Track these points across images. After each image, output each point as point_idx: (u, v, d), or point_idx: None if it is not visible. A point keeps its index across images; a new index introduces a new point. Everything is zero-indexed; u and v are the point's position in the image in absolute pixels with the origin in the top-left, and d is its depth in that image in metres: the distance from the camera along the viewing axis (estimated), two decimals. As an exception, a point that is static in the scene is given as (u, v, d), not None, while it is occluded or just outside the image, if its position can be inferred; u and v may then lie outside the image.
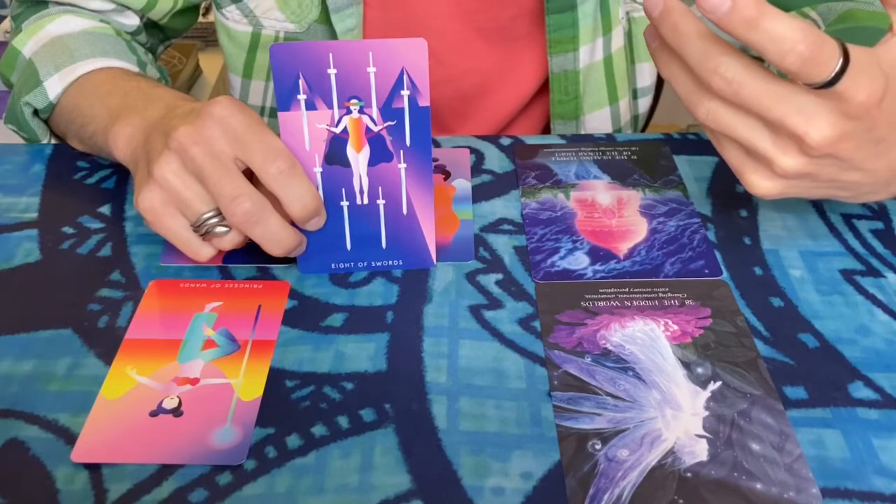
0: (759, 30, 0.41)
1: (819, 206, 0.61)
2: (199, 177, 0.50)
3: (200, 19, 0.97)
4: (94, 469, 0.43)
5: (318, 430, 0.45)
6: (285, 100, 0.50)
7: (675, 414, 0.46)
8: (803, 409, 0.46)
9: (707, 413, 0.46)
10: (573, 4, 0.73)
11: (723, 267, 0.56)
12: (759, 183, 0.48)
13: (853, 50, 0.42)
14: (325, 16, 0.73)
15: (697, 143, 0.68)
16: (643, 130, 0.92)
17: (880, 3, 0.66)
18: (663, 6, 0.45)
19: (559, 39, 0.74)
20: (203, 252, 0.52)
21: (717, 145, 0.49)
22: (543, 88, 0.80)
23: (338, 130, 0.51)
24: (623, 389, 0.47)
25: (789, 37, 0.41)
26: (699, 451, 0.44)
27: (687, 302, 0.53)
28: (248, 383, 0.48)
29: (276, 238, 0.51)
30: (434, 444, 0.45)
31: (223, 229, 0.51)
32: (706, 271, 0.55)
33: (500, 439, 0.45)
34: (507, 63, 0.78)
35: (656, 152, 0.66)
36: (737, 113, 0.45)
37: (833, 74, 0.42)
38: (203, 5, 0.83)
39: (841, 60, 0.42)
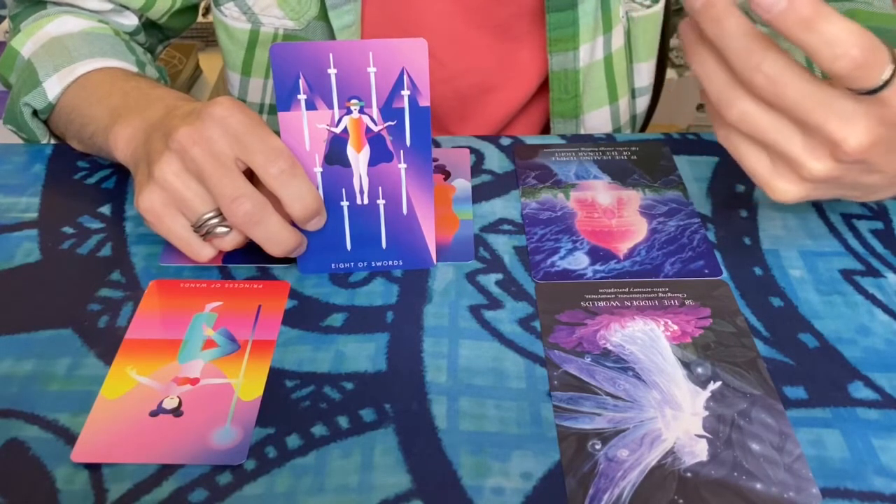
0: (814, 31, 0.39)
1: (819, 207, 0.61)
2: (200, 177, 0.50)
3: (200, 19, 0.97)
4: (94, 469, 0.43)
5: (318, 430, 0.45)
6: (285, 100, 0.50)
7: (675, 414, 0.46)
8: (803, 409, 0.46)
9: (707, 413, 0.46)
10: (573, 3, 0.73)
11: (723, 267, 0.56)
12: (784, 188, 0.46)
13: None
14: (323, 13, 0.73)
15: (697, 143, 0.68)
16: (642, 130, 0.92)
17: (881, 4, 0.66)
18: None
19: (559, 38, 0.74)
20: (203, 252, 0.52)
21: (735, 150, 0.47)
22: (543, 87, 0.80)
23: (338, 130, 0.51)
24: (623, 389, 0.47)
25: (844, 40, 0.39)
26: (699, 451, 0.44)
27: (687, 302, 0.53)
28: (248, 383, 0.48)
29: (277, 238, 0.51)
30: (434, 444, 0.45)
31: (224, 230, 0.51)
32: (706, 271, 0.55)
33: (500, 439, 0.45)
34: (507, 62, 0.78)
35: (656, 152, 0.66)
36: (771, 115, 0.44)
37: (882, 82, 0.41)
38: (202, 5, 0.83)
39: (892, 67, 0.40)
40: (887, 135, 0.43)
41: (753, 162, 0.47)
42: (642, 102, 0.86)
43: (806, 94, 0.42)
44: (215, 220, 0.51)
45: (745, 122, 0.45)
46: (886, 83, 0.41)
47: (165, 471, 0.43)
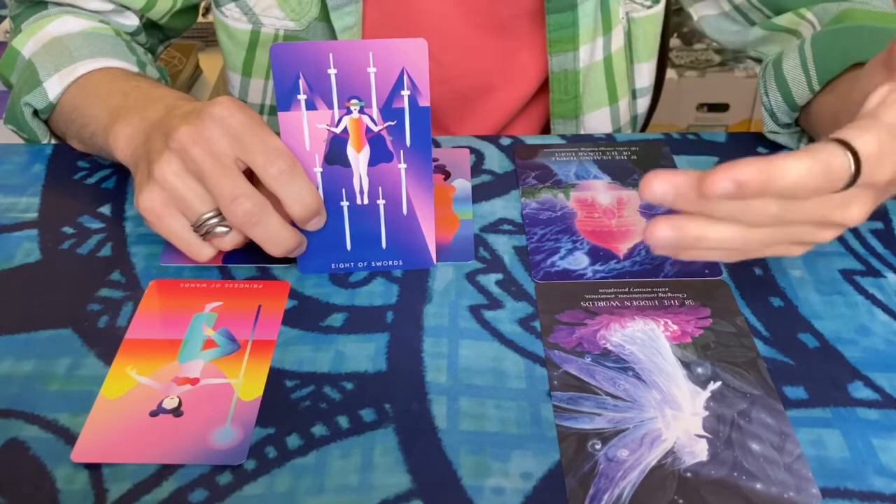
0: (772, 189, 0.40)
1: (819, 206, 0.61)
2: (200, 177, 0.50)
3: (200, 19, 0.97)
4: (94, 469, 0.43)
5: (318, 430, 0.45)
6: (285, 100, 0.50)
7: (675, 414, 0.46)
8: (803, 409, 0.46)
9: (707, 413, 0.46)
10: (573, 4, 0.73)
11: (723, 267, 0.56)
12: (801, 252, 0.47)
13: (864, 143, 0.41)
14: (324, 13, 0.73)
15: (697, 143, 0.68)
16: (643, 131, 0.92)
17: (880, 3, 0.66)
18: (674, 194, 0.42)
19: (559, 39, 0.74)
20: (203, 252, 0.52)
21: (758, 254, 0.47)
22: (543, 88, 0.80)
23: (338, 130, 0.51)
24: (623, 389, 0.47)
25: (800, 184, 0.40)
26: (699, 451, 0.44)
27: (687, 302, 0.53)
28: (248, 383, 0.48)
29: (277, 238, 0.51)
30: (434, 444, 0.45)
31: (223, 229, 0.51)
32: (706, 271, 0.55)
33: (500, 439, 0.45)
34: (507, 63, 0.78)
35: (656, 152, 0.66)
36: (780, 229, 0.44)
37: (849, 179, 0.41)
38: (202, 5, 0.83)
39: (852, 164, 0.41)
40: (881, 193, 0.44)
41: (774, 251, 0.46)
42: (643, 103, 0.86)
43: (804, 209, 0.43)
44: (215, 220, 0.51)
45: (768, 251, 0.45)
46: (855, 176, 0.41)
47: (165, 471, 0.43)
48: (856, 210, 0.43)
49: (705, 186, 0.40)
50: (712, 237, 0.43)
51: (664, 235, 0.42)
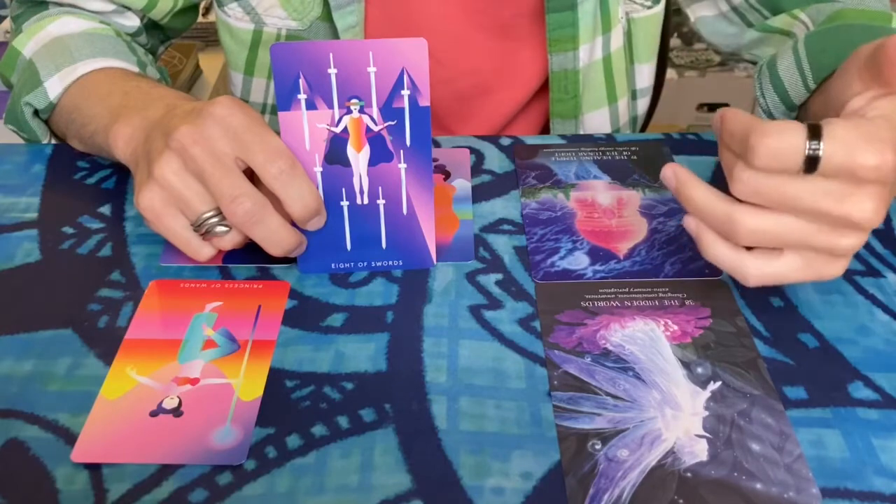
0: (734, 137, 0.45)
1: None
2: (200, 176, 0.50)
3: (200, 19, 0.97)
4: (94, 469, 0.43)
5: (318, 430, 0.45)
6: (286, 99, 0.50)
7: (675, 414, 0.46)
8: (803, 409, 0.46)
9: (707, 413, 0.46)
10: (573, 4, 0.73)
11: (723, 267, 0.56)
12: (833, 271, 0.47)
13: (833, 125, 0.43)
14: (326, 13, 0.73)
15: (697, 143, 0.68)
16: (642, 131, 0.92)
17: (876, 3, 0.66)
18: (676, 182, 0.48)
19: (559, 38, 0.74)
20: (203, 252, 0.52)
21: (771, 278, 0.47)
22: (543, 88, 0.80)
23: (338, 130, 0.51)
24: (623, 389, 0.47)
25: (755, 147, 0.43)
26: (699, 451, 0.44)
27: (687, 302, 0.53)
28: (248, 383, 0.48)
29: (277, 238, 0.51)
30: (434, 444, 0.45)
31: (223, 229, 0.51)
32: (706, 271, 0.55)
33: (500, 439, 0.45)
34: (508, 62, 0.78)
35: (656, 152, 0.66)
36: (781, 219, 0.45)
37: (804, 157, 0.43)
38: (203, 5, 0.83)
39: (807, 143, 0.42)
40: (891, 188, 0.44)
41: (792, 273, 0.47)
42: (643, 104, 0.86)
43: (798, 195, 0.44)
44: (215, 220, 0.51)
45: (760, 237, 0.46)
46: (815, 153, 0.42)
47: (165, 471, 0.43)
48: (863, 203, 0.43)
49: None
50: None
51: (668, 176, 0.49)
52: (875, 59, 0.46)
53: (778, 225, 0.45)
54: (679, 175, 0.48)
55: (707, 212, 0.47)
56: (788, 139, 0.43)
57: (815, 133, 0.43)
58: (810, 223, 0.45)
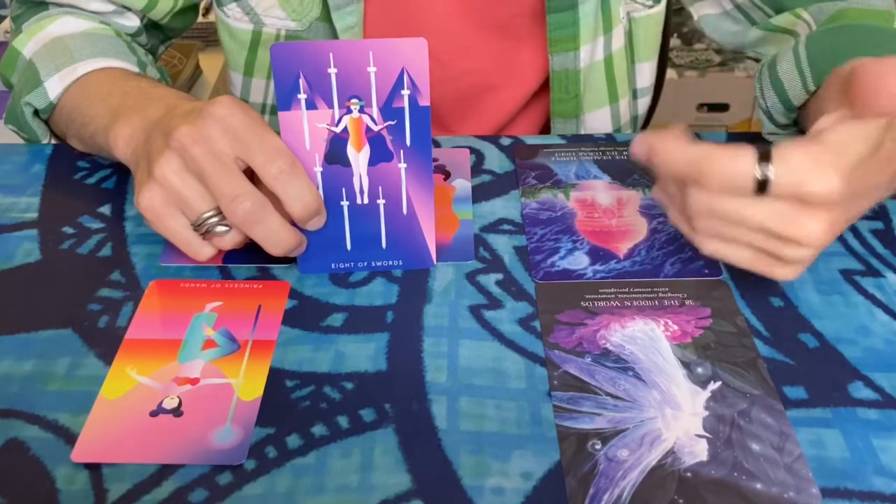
0: (679, 162, 0.47)
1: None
2: (200, 176, 0.50)
3: (200, 19, 0.97)
4: (94, 469, 0.43)
5: (318, 430, 0.45)
6: (286, 99, 0.50)
7: (675, 414, 0.46)
8: (803, 409, 0.46)
9: (707, 413, 0.46)
10: (574, 3, 0.73)
11: (723, 267, 0.56)
12: (781, 272, 0.49)
13: (784, 151, 0.44)
14: (325, 13, 0.73)
15: (697, 143, 0.68)
16: (643, 130, 0.92)
17: (879, 2, 0.66)
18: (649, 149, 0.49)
19: (560, 38, 0.74)
20: (203, 251, 0.52)
21: (719, 255, 0.50)
22: (543, 87, 0.80)
23: (338, 130, 0.51)
24: (623, 389, 0.47)
25: (705, 171, 0.45)
26: (699, 451, 0.44)
27: (687, 302, 0.53)
28: (248, 383, 0.48)
29: (277, 238, 0.51)
30: (434, 444, 0.45)
31: (223, 229, 0.51)
32: (706, 271, 0.55)
33: (500, 439, 0.45)
34: (508, 62, 0.78)
35: (656, 152, 0.66)
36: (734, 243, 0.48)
37: (755, 182, 0.44)
38: (202, 5, 0.83)
39: (757, 169, 0.44)
40: (840, 212, 0.46)
41: (741, 261, 0.49)
42: (643, 103, 0.86)
43: (747, 216, 0.46)
44: (215, 219, 0.51)
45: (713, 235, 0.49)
46: (764, 178, 0.44)
47: (165, 471, 0.43)
48: (810, 226, 0.45)
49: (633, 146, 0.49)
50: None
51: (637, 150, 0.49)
52: (847, 81, 0.46)
53: (729, 232, 0.48)
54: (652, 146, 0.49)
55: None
56: (740, 164, 0.45)
57: (765, 157, 0.44)
58: (760, 234, 0.47)
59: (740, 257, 0.49)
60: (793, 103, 0.62)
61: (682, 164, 0.46)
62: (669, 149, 0.47)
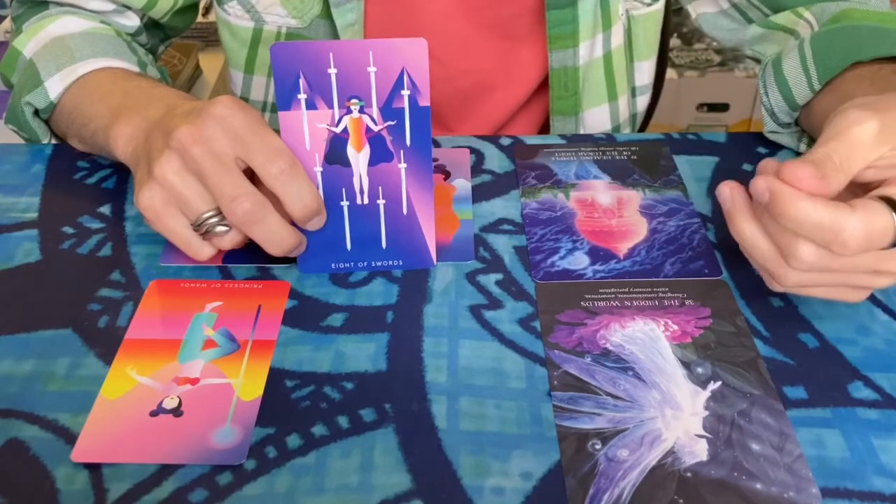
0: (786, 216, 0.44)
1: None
2: (200, 176, 0.50)
3: (200, 19, 0.97)
4: (94, 469, 0.43)
5: (318, 430, 0.45)
6: (286, 99, 0.50)
7: (675, 414, 0.46)
8: (803, 409, 0.46)
9: (707, 413, 0.46)
10: (573, 0, 0.73)
11: (723, 267, 0.56)
12: (861, 297, 0.49)
13: None
14: (326, 11, 0.73)
15: (697, 143, 0.68)
16: (642, 130, 0.92)
17: (878, 3, 0.66)
18: (769, 196, 0.45)
19: (559, 35, 0.75)
20: (203, 251, 0.52)
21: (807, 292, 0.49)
22: (543, 85, 0.80)
23: (338, 130, 0.51)
24: (623, 389, 0.47)
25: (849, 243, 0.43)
26: (699, 451, 0.44)
27: (687, 302, 0.53)
28: (248, 383, 0.48)
29: (276, 238, 0.51)
30: (434, 444, 0.45)
31: (223, 228, 0.51)
32: (706, 271, 0.55)
33: (500, 439, 0.45)
34: (508, 61, 0.78)
35: (656, 152, 0.66)
36: (834, 275, 0.47)
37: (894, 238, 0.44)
38: (203, 4, 0.83)
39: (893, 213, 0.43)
40: None
41: (820, 293, 0.48)
42: (642, 101, 0.86)
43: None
44: (215, 219, 0.51)
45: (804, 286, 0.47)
46: None
47: (165, 471, 0.43)
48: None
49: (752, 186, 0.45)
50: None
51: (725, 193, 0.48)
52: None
53: (835, 279, 0.47)
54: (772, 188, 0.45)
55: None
56: (880, 222, 0.43)
57: (892, 205, 0.43)
58: (865, 275, 0.46)
59: (827, 293, 0.48)
60: (797, 102, 0.62)
61: (814, 226, 0.43)
62: (801, 207, 0.44)
